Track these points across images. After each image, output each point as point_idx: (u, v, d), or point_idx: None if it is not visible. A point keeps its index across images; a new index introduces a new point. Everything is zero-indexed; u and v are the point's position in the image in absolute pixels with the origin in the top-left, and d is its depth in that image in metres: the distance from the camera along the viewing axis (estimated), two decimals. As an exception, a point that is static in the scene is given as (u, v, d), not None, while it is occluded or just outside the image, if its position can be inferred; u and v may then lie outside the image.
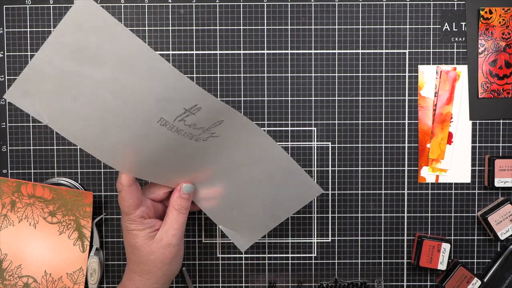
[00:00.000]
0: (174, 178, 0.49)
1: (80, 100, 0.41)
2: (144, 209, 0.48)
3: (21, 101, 0.41)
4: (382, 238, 0.57)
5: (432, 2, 0.55)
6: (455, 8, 0.56)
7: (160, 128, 0.43)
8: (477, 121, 0.56)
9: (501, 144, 0.56)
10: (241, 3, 0.55)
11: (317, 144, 0.56)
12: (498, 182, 0.55)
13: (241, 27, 0.56)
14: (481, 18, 0.55)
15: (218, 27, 0.56)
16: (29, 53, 0.56)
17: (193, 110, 0.42)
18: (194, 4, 0.55)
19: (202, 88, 0.41)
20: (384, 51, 0.56)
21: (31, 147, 0.56)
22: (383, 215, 0.57)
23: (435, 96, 0.56)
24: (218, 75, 0.56)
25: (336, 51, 0.56)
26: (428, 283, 0.57)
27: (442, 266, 0.54)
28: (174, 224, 0.47)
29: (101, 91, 0.40)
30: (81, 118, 0.42)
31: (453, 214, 0.57)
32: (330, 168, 0.57)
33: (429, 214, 0.57)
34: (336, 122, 0.56)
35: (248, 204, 0.52)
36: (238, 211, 0.52)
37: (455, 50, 0.56)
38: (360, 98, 0.56)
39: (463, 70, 0.56)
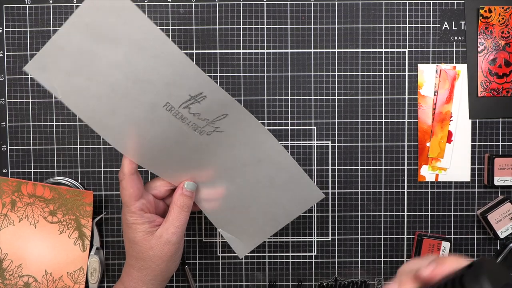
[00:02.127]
0: (176, 174, 0.49)
1: (93, 78, 0.42)
2: (145, 202, 0.47)
3: (39, 75, 0.42)
4: (382, 236, 0.57)
5: (431, 1, 0.56)
6: (455, 7, 0.56)
7: (165, 113, 0.44)
8: (477, 120, 0.56)
9: (500, 143, 0.56)
10: (241, 3, 0.55)
11: (317, 143, 0.56)
12: (498, 181, 0.55)
13: (241, 27, 0.56)
14: (481, 17, 0.55)
15: (218, 27, 0.56)
16: (28, 53, 0.56)
17: (198, 98, 0.43)
18: (194, 3, 0.55)
19: (209, 77, 0.42)
20: (383, 50, 0.56)
21: (31, 147, 0.56)
22: (383, 213, 0.57)
23: (434, 94, 0.56)
24: (218, 74, 0.56)
25: (336, 50, 0.56)
26: (428, 282, 0.57)
27: (442, 264, 0.54)
28: (175, 222, 0.47)
29: (113, 71, 0.42)
30: (93, 96, 0.43)
31: (452, 213, 0.57)
32: (330, 167, 0.57)
33: (429, 213, 0.57)
34: (336, 121, 0.56)
35: (249, 207, 0.52)
36: (239, 214, 0.52)
37: (454, 48, 0.56)
38: (360, 97, 0.56)
39: (462, 69, 0.56)
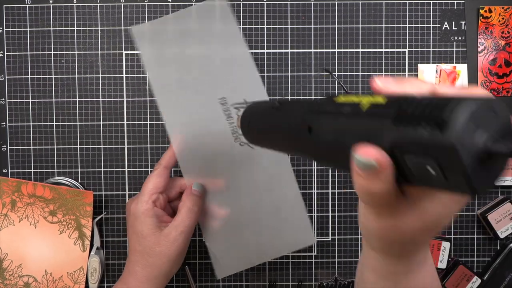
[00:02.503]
0: (196, 172, 0.52)
1: (175, 61, 0.51)
2: (161, 198, 0.49)
3: (139, 38, 0.52)
4: (382, 236, 0.57)
5: (431, 1, 0.56)
6: (455, 7, 0.56)
7: (217, 105, 0.51)
8: (477, 120, 0.56)
9: (500, 143, 0.56)
10: (241, 2, 0.55)
11: (317, 143, 0.56)
12: (498, 181, 0.55)
13: (241, 27, 0.56)
14: (481, 17, 0.55)
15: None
16: (28, 53, 0.56)
17: None
18: (193, 3, 0.55)
19: (267, 94, 0.51)
20: (384, 50, 0.56)
21: (31, 147, 0.56)
22: (383, 213, 0.57)
23: (434, 95, 0.56)
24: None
25: (336, 50, 0.56)
26: (428, 282, 0.57)
27: (442, 264, 0.55)
28: (185, 221, 0.48)
29: (192, 64, 0.51)
30: (168, 74, 0.51)
31: (453, 213, 0.57)
32: (329, 167, 0.57)
33: (429, 213, 0.57)
34: (336, 121, 0.56)
35: (244, 231, 0.53)
36: (231, 236, 0.53)
37: (454, 49, 0.56)
38: (360, 97, 0.56)
39: (462, 69, 0.56)
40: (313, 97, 0.56)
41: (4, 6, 0.55)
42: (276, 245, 0.53)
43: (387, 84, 0.26)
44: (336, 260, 0.57)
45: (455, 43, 0.56)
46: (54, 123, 0.56)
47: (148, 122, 0.56)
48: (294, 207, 0.52)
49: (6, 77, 0.56)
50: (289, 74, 0.56)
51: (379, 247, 0.30)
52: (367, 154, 0.22)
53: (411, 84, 0.25)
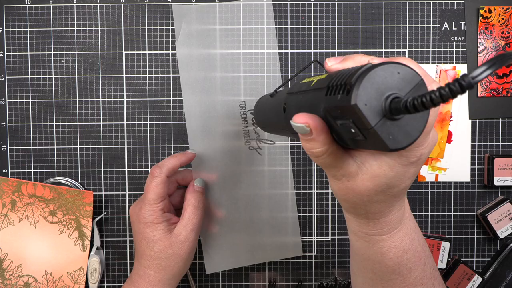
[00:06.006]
0: (202, 166, 0.53)
1: (202, 57, 0.54)
2: (166, 202, 0.49)
3: (177, 14, 0.54)
4: (382, 236, 0.57)
5: (431, 1, 0.56)
6: (455, 7, 0.56)
7: (236, 108, 0.54)
8: (477, 120, 0.56)
9: (500, 143, 0.56)
10: (241, 3, 0.55)
11: (317, 143, 0.56)
12: (498, 181, 0.55)
13: (241, 27, 0.56)
14: (481, 17, 0.55)
15: (218, 27, 0.56)
16: (28, 53, 0.56)
17: None
18: (194, 4, 0.55)
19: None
20: (383, 50, 0.56)
21: (31, 147, 0.56)
22: (383, 214, 0.57)
23: (434, 95, 0.56)
24: (218, 74, 0.56)
25: (336, 50, 0.56)
26: (428, 282, 0.57)
27: (441, 264, 0.55)
28: (192, 219, 0.49)
29: (223, 60, 0.54)
30: (192, 67, 0.54)
31: (452, 213, 0.57)
32: (330, 167, 0.57)
33: (429, 213, 0.57)
34: (336, 121, 0.56)
35: (238, 234, 0.54)
36: (224, 234, 0.54)
37: (454, 49, 0.56)
38: (359, 97, 0.56)
39: (462, 69, 0.56)
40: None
41: (4, 6, 0.55)
42: (266, 251, 0.55)
43: (334, 63, 0.29)
44: (336, 260, 0.57)
45: (455, 43, 0.56)
46: (54, 123, 0.56)
47: (148, 122, 0.56)
48: (288, 217, 0.54)
49: (6, 77, 0.56)
50: (289, 74, 0.56)
51: (346, 209, 0.33)
52: (299, 120, 0.26)
53: (353, 60, 0.29)
